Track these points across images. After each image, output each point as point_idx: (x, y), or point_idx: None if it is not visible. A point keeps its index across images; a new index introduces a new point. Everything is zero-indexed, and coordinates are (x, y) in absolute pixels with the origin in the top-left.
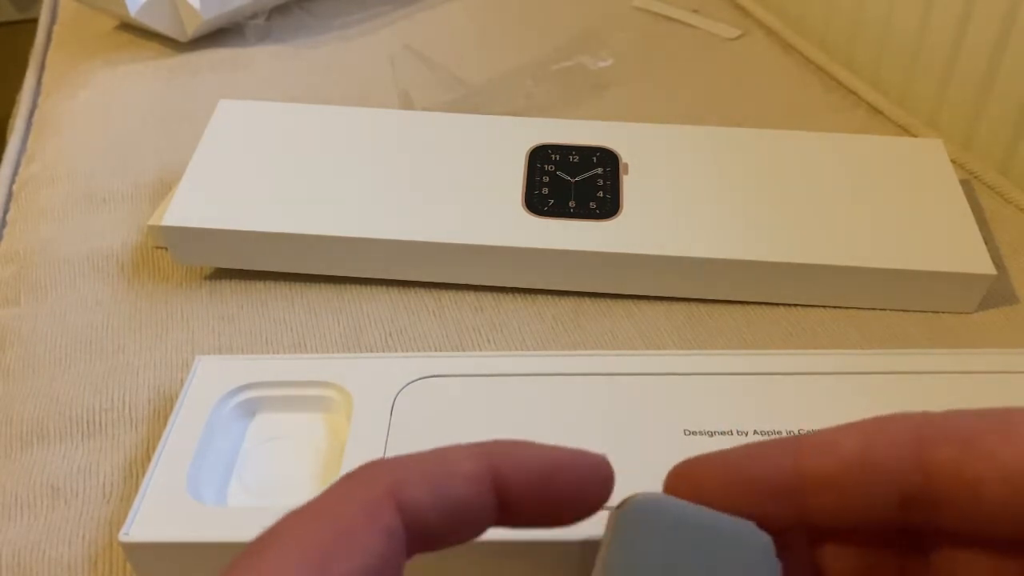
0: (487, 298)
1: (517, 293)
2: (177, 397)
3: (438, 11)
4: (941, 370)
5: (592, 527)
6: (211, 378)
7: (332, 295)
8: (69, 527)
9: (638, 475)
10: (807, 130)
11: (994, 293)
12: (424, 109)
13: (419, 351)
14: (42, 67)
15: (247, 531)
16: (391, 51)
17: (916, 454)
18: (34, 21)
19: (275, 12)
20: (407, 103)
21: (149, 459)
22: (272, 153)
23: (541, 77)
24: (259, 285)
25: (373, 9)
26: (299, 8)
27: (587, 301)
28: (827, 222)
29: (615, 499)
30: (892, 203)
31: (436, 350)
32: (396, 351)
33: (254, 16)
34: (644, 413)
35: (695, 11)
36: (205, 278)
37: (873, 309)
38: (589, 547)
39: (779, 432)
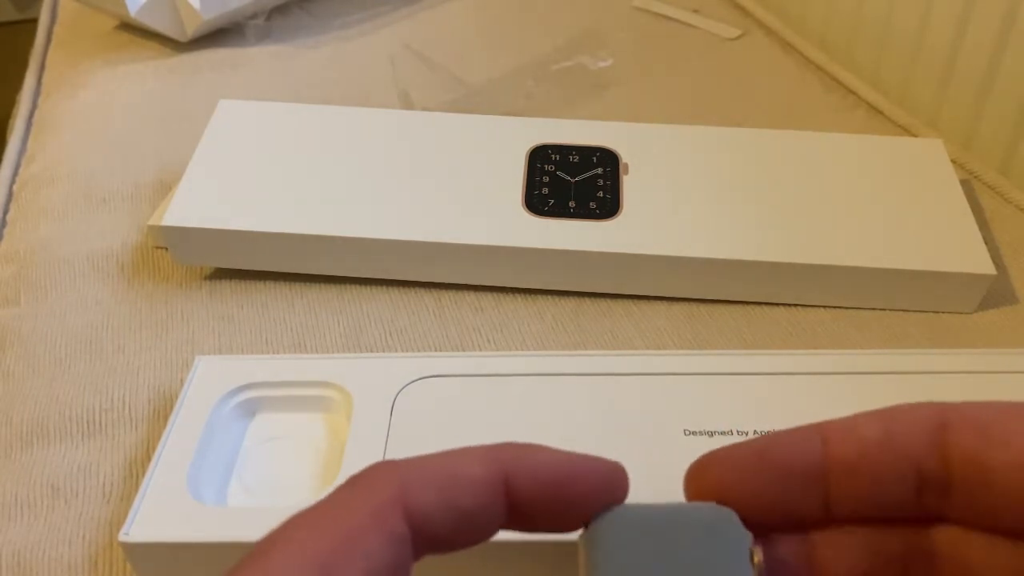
0: (487, 298)
1: (517, 293)
2: (177, 397)
3: (438, 11)
4: (941, 370)
5: None
6: (211, 378)
7: (332, 295)
8: (69, 527)
9: (638, 475)
10: (807, 130)
11: (994, 293)
12: (424, 109)
13: (419, 351)
14: (42, 67)
15: (247, 531)
16: (391, 51)
17: (935, 440)
18: (34, 21)
19: (275, 12)
20: (407, 103)
21: (149, 459)
22: (272, 153)
23: (541, 77)
24: (259, 285)
25: (373, 9)
26: (299, 8)
27: (587, 301)
28: (827, 222)
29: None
30: (892, 203)
31: (436, 350)
32: (396, 351)
33: (254, 16)
34: (644, 413)
35: (695, 11)
36: (205, 278)
37: (873, 309)
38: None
39: None
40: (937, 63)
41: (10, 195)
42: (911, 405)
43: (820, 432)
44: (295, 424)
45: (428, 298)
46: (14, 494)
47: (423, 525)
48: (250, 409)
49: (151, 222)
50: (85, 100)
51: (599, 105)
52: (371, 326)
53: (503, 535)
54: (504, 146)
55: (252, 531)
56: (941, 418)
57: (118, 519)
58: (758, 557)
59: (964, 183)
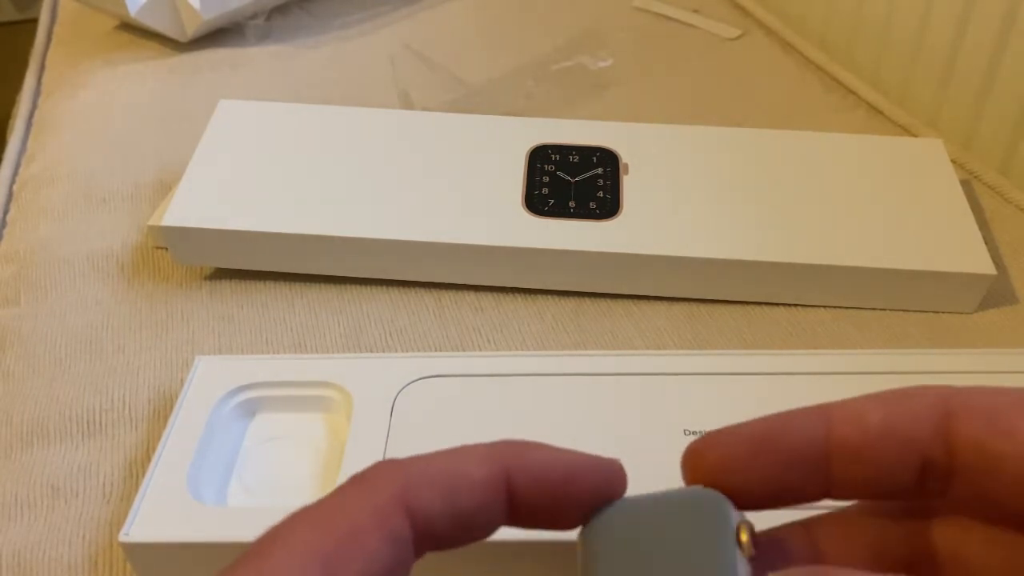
0: (487, 298)
1: (517, 293)
2: (177, 397)
3: (438, 11)
4: (941, 370)
5: None
6: (211, 378)
7: (332, 295)
8: (69, 527)
9: (638, 475)
10: (807, 130)
11: (994, 293)
12: (424, 109)
13: (419, 351)
14: (42, 67)
15: (247, 531)
16: (391, 51)
17: (939, 426)
18: (34, 21)
19: (275, 12)
20: (407, 103)
21: (149, 459)
22: (272, 153)
23: (541, 77)
24: (259, 285)
25: (373, 9)
26: (299, 8)
27: (587, 301)
28: (827, 222)
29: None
30: (892, 203)
31: (436, 350)
32: (396, 351)
33: (254, 16)
34: (644, 413)
35: (695, 11)
36: (205, 278)
37: (873, 309)
38: None
39: None
40: (937, 63)
41: (10, 195)
42: (917, 389)
43: (824, 415)
44: (295, 424)
45: (428, 298)
46: (14, 494)
47: (424, 524)
48: (250, 409)
49: (151, 222)
50: (85, 100)
51: (599, 105)
52: (371, 326)
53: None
54: (504, 146)
55: (252, 531)
56: (946, 404)
57: (118, 519)
58: (744, 536)
59: (964, 183)
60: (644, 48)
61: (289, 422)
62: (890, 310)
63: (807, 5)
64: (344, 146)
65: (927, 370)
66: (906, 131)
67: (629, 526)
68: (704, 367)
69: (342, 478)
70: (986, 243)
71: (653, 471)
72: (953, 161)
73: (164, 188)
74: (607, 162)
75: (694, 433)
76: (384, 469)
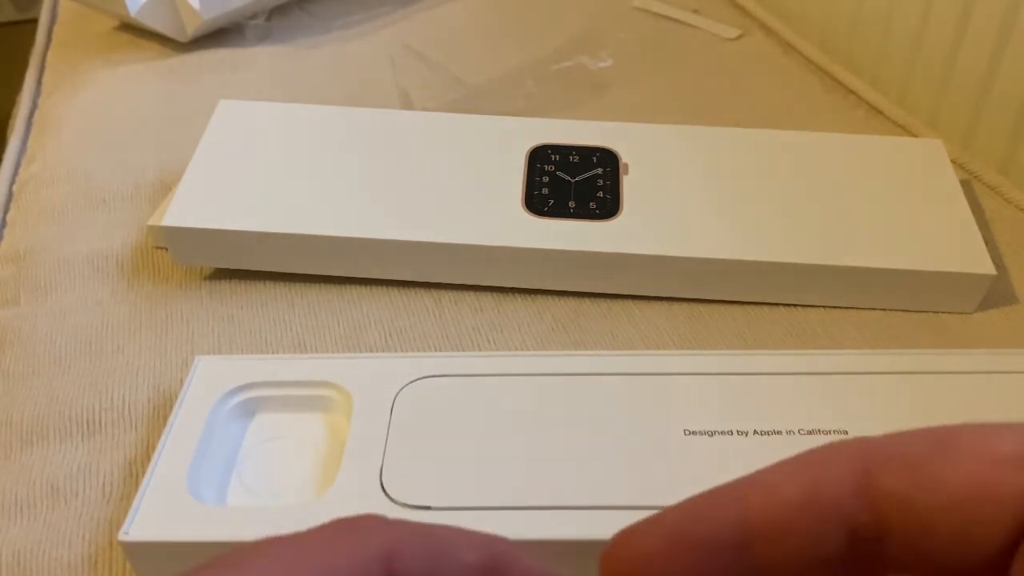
0: (487, 298)
1: (517, 293)
2: (177, 397)
3: (438, 11)
4: (941, 370)
5: (591, 527)
6: (211, 378)
7: (332, 295)
8: (69, 527)
9: (638, 475)
10: (807, 130)
11: (994, 293)
12: (424, 109)
13: (419, 351)
14: (42, 67)
15: (247, 531)
16: (391, 51)
17: (861, 488)
18: (34, 21)
19: (275, 12)
20: (407, 103)
21: (149, 459)
22: (272, 153)
23: (541, 77)
24: (259, 285)
25: (373, 9)
26: (299, 8)
27: (587, 301)
28: (827, 222)
29: (619, 497)
30: (892, 203)
31: (436, 350)
32: (396, 351)
33: (254, 16)
34: (644, 413)
35: (695, 11)
36: (205, 278)
37: (873, 309)
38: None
39: (779, 432)
40: (937, 63)
41: (10, 195)
42: (832, 447)
43: (738, 495)
44: (295, 424)
45: (428, 298)
46: (14, 494)
47: None
48: (250, 409)
49: (151, 222)
50: (85, 100)
51: (599, 105)
52: (371, 326)
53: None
54: (504, 146)
55: (252, 531)
56: (865, 460)
57: (118, 519)
58: None
59: (964, 183)
60: (644, 48)
61: (289, 422)
62: (890, 310)
63: (807, 5)
64: (344, 146)
65: (927, 370)
66: (906, 131)
67: None
68: (704, 367)
69: (342, 478)
70: (986, 243)
71: (653, 471)
72: (953, 161)
73: (164, 188)
74: (607, 162)
75: (694, 433)
76: (374, 522)
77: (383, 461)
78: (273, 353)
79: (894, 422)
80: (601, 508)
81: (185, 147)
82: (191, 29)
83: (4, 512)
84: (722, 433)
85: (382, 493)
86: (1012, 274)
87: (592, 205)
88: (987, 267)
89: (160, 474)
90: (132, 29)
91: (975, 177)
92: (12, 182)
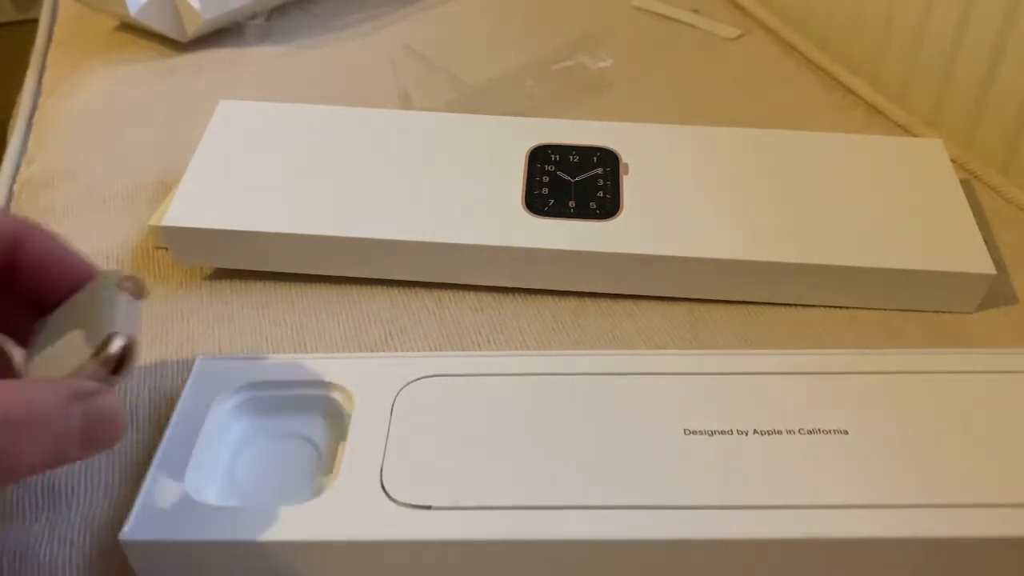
0: (487, 298)
1: (517, 293)
2: (177, 397)
3: (438, 11)
4: (941, 370)
5: (591, 527)
6: (211, 378)
7: (332, 295)
8: (69, 527)
9: (638, 475)
10: (807, 130)
11: (994, 293)
12: (424, 109)
13: (419, 351)
14: (42, 67)
15: (247, 531)
16: (391, 51)
17: None
18: (34, 21)
19: (275, 12)
20: (407, 103)
21: (149, 459)
22: (272, 153)
23: (541, 77)
24: (259, 285)
25: (373, 9)
26: (299, 8)
27: (587, 301)
28: (827, 222)
29: (619, 497)
30: (892, 203)
31: (436, 350)
32: (396, 351)
33: (254, 16)
34: (644, 413)
35: (695, 11)
36: (205, 278)
37: (873, 309)
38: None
39: (779, 432)
40: (937, 63)
41: (10, 195)
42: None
43: None
44: (295, 424)
45: (428, 298)
46: (14, 494)
47: None
48: (250, 409)
49: (151, 222)
50: (85, 100)
51: (599, 105)
52: (371, 326)
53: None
54: (504, 146)
55: (252, 531)
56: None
57: (118, 519)
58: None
59: (964, 183)
60: (644, 48)
61: (289, 422)
62: (890, 310)
63: (807, 5)
64: (344, 146)
65: (927, 370)
66: (906, 131)
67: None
68: (704, 367)
69: (342, 479)
70: (986, 243)
71: (653, 471)
72: (953, 161)
73: (164, 188)
74: (607, 162)
75: (694, 433)
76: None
77: (383, 461)
78: (273, 353)
79: (894, 422)
80: (601, 508)
81: (185, 147)
82: (191, 29)
83: (4, 512)
84: (722, 433)
85: (382, 493)
86: (1012, 274)
87: (592, 205)
88: (987, 267)
89: (160, 474)
90: (132, 29)
91: (975, 177)
92: (12, 182)
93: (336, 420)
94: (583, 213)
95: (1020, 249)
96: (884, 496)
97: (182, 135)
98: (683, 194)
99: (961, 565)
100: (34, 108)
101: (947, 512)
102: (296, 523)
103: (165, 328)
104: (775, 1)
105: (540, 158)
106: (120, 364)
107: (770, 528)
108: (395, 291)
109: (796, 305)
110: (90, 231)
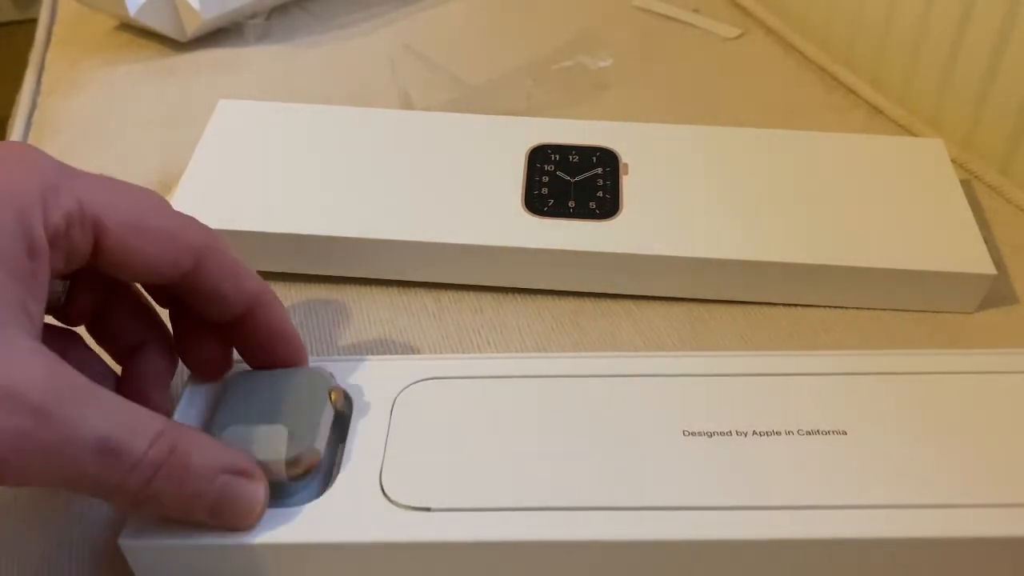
0: (487, 298)
1: (517, 293)
2: (177, 399)
3: (438, 11)
4: (941, 370)
5: (591, 528)
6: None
7: (332, 295)
8: (69, 528)
9: (638, 475)
10: (807, 130)
11: (994, 293)
12: (424, 109)
13: (419, 352)
14: (42, 67)
15: (246, 533)
16: (391, 51)
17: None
18: (34, 21)
19: (275, 12)
20: (407, 103)
21: None
22: (272, 153)
23: (541, 77)
24: None
25: (373, 9)
26: (299, 8)
27: (587, 302)
28: (827, 222)
29: (619, 498)
30: (892, 203)
31: (436, 351)
32: (396, 352)
33: (254, 16)
34: (644, 413)
35: (695, 11)
36: None
37: (873, 309)
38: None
39: (779, 432)
40: (937, 63)
41: None
42: None
43: None
44: None
45: (428, 298)
46: (14, 494)
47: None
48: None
49: None
50: (85, 100)
51: (599, 105)
52: (371, 326)
53: (503, 534)
54: (504, 146)
55: (251, 533)
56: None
57: (118, 521)
58: (335, 396)
59: (964, 183)
60: (644, 48)
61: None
62: (890, 310)
63: (807, 5)
64: (344, 146)
65: (927, 370)
66: (906, 131)
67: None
68: (704, 368)
69: (342, 480)
70: (986, 243)
71: (653, 471)
72: (953, 161)
73: (164, 188)
74: (607, 162)
75: (694, 433)
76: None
77: (383, 463)
78: None
79: (894, 422)
80: (601, 509)
81: (185, 147)
82: (190, 29)
83: (4, 512)
84: (721, 434)
85: (382, 495)
86: (1012, 274)
87: (592, 205)
88: (987, 267)
89: None
90: (132, 29)
91: (975, 177)
92: None
93: (335, 422)
94: (583, 213)
95: (1020, 249)
96: (884, 497)
97: (181, 135)
98: (683, 194)
99: (961, 565)
100: (33, 107)
101: (947, 512)
102: (295, 525)
103: None
104: (775, 1)
105: (540, 158)
106: (303, 474)
107: (770, 529)
108: (394, 291)
109: (796, 305)
110: None
